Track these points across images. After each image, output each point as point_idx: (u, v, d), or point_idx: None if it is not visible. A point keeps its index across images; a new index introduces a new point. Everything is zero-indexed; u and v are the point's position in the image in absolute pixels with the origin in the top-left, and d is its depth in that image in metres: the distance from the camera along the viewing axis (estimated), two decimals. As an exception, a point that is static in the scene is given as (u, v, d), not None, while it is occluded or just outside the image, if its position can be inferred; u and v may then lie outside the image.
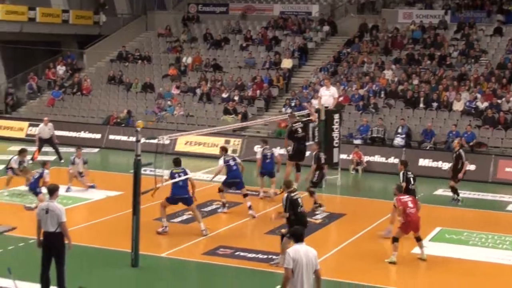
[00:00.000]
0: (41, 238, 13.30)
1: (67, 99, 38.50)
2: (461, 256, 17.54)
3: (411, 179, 19.40)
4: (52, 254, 13.26)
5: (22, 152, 22.88)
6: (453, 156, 23.78)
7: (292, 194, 15.58)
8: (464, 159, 23.43)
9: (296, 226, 13.51)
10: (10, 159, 22.84)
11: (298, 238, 11.16)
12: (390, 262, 16.49)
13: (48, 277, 13.32)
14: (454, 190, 23.61)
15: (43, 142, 29.40)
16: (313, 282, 10.99)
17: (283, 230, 15.84)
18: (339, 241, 18.66)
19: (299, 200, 15.62)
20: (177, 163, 18.66)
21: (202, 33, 43.44)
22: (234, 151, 30.99)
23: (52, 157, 28.81)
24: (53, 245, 13.21)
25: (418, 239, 17.05)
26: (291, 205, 15.43)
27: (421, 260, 16.81)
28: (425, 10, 41.25)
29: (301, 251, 10.94)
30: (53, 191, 13.41)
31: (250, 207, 20.61)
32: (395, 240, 16.64)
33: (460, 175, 23.36)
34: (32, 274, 13.80)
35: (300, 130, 22.89)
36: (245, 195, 20.93)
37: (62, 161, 28.82)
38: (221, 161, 21.26)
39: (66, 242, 13.25)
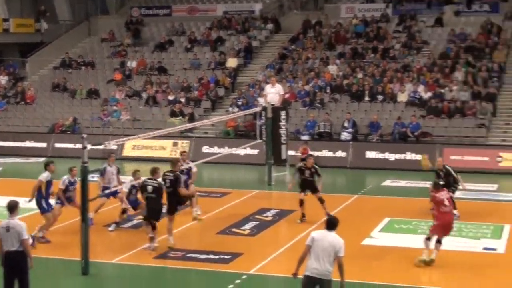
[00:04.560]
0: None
1: (11, 109, 37.98)
2: (410, 245, 17.74)
3: None
4: (15, 274, 12.66)
5: None
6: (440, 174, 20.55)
7: (149, 181, 17.13)
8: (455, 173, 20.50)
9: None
10: None
11: (328, 225, 11.86)
12: (423, 261, 15.99)
13: None
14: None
15: None
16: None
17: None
18: (290, 238, 18.73)
19: (149, 187, 17.00)
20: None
21: (146, 36, 43.27)
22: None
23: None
24: (16, 264, 12.61)
25: (439, 241, 16.17)
26: (140, 189, 17.56)
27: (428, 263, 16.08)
28: (366, 4, 41.68)
29: (320, 234, 11.70)
30: (13, 208, 12.86)
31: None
32: (427, 239, 16.19)
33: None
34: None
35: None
36: None
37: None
38: None
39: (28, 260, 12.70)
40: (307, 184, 20.27)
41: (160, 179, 17.36)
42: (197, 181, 22.69)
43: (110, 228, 19.48)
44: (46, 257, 17.12)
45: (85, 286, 15.27)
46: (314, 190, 20.19)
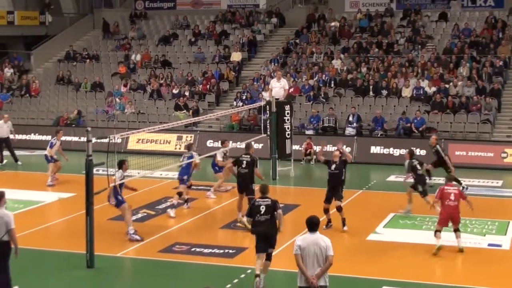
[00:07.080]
0: None
1: (15, 102, 37.98)
2: (415, 241, 17.76)
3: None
4: None
5: None
6: (432, 152, 24.14)
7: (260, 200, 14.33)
8: (443, 153, 23.78)
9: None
10: None
11: (310, 227, 11.44)
12: (437, 248, 16.55)
13: None
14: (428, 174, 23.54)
15: (1, 141, 28.85)
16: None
17: None
18: (294, 232, 18.70)
19: (261, 207, 14.08)
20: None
21: (150, 29, 43.27)
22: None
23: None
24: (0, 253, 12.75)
25: (456, 230, 16.88)
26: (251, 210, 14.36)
27: (460, 252, 16.72)
28: (371, -2, 41.61)
29: (305, 241, 11.32)
30: (0, 197, 13.05)
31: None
32: (437, 231, 16.80)
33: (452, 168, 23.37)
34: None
35: None
36: None
37: (20, 163, 28.60)
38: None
39: (13, 247, 12.79)
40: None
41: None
42: (202, 176, 22.78)
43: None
44: (51, 250, 17.18)
45: (90, 279, 15.29)
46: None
